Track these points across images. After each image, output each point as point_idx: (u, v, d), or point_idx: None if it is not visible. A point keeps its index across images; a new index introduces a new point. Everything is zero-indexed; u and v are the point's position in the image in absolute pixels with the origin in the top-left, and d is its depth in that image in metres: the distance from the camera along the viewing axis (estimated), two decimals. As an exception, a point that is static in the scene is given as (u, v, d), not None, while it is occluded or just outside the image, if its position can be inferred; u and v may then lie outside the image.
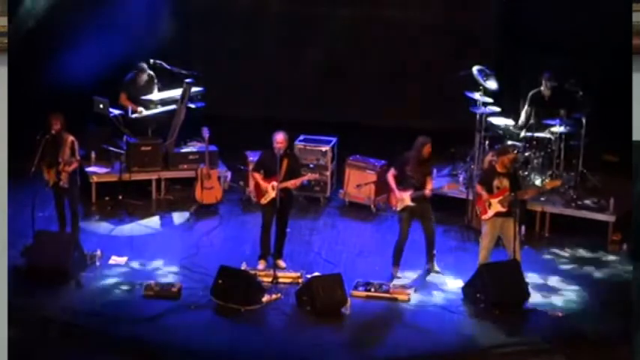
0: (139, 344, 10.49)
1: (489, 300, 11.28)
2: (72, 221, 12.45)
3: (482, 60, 14.25)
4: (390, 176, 12.06)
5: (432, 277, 12.08)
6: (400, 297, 11.54)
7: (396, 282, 11.84)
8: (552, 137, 13.75)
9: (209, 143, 13.95)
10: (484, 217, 11.71)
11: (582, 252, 12.96)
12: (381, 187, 13.95)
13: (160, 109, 14.66)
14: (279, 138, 11.92)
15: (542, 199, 13.43)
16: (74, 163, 12.22)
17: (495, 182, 11.66)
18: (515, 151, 13.17)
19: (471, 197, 13.46)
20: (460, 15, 16.33)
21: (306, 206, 14.20)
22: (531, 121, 14.02)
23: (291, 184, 12.02)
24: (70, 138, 12.22)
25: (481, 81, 13.88)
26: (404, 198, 11.89)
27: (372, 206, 14.04)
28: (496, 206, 11.60)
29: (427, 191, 11.83)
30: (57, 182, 12.20)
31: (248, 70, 16.94)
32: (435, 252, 12.18)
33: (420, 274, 12.16)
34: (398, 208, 11.99)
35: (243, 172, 14.32)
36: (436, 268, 12.19)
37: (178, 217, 13.84)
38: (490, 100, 13.96)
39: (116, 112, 14.48)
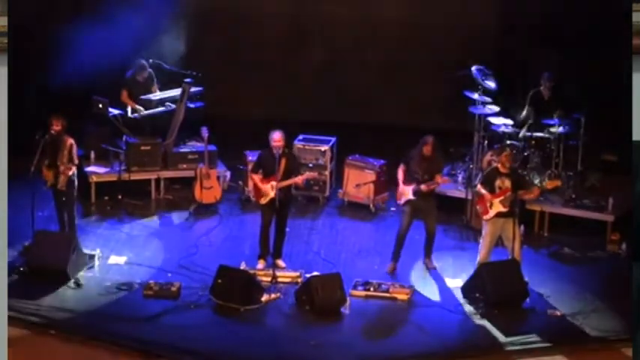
0: (139, 344, 10.47)
1: (488, 299, 11.29)
2: (68, 223, 12.44)
3: (481, 59, 14.23)
4: (400, 171, 12.23)
5: (431, 277, 12.10)
6: (399, 296, 11.54)
7: (395, 281, 11.85)
8: (551, 137, 13.77)
9: (208, 143, 13.95)
10: (486, 217, 11.72)
11: (581, 251, 12.96)
12: (380, 186, 14.00)
13: (159, 108, 14.68)
14: (277, 137, 11.92)
15: (541, 198, 13.43)
16: (72, 167, 12.20)
17: (497, 182, 11.68)
18: (514, 151, 13.18)
19: (469, 197, 13.48)
20: (460, 14, 16.32)
21: (305, 206, 14.22)
22: (530, 120, 14.04)
23: (292, 182, 12.02)
24: (70, 141, 12.18)
25: (480, 80, 13.87)
26: (406, 192, 11.98)
27: (371, 206, 14.04)
28: (498, 206, 11.62)
29: (423, 186, 11.91)
30: (55, 184, 12.20)
31: (247, 70, 16.94)
32: (432, 249, 12.30)
33: (418, 274, 12.18)
34: (401, 202, 12.13)
35: (243, 172, 14.32)
36: (433, 263, 12.27)
37: (177, 217, 13.84)
38: (489, 99, 13.96)
39: (115, 112, 14.48)
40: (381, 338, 10.73)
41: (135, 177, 14.23)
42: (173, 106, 14.62)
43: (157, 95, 14.71)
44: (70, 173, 12.17)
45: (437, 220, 12.29)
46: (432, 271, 12.25)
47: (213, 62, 16.48)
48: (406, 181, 12.09)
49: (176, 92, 14.67)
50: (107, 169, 14.33)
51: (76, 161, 12.30)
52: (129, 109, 14.56)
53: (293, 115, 15.90)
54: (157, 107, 14.64)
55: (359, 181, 13.99)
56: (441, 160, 12.36)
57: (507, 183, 11.65)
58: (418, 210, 12.10)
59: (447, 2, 16.54)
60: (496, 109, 13.93)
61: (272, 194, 11.91)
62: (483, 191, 11.74)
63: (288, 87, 17.01)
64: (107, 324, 10.79)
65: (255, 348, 10.46)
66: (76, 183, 12.44)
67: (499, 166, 11.77)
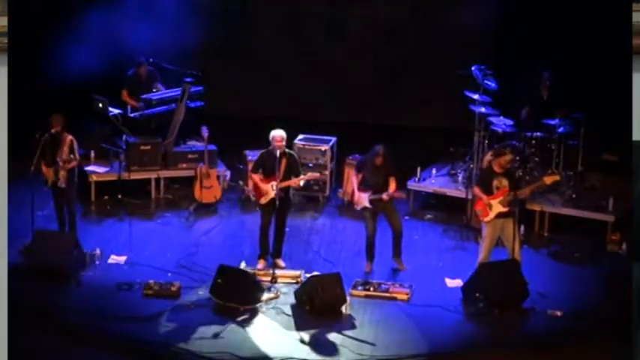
0: (139, 343, 10.48)
1: (488, 299, 11.28)
2: (69, 221, 12.45)
3: (481, 59, 14.23)
4: (354, 177, 12.29)
5: (430, 277, 12.09)
6: (399, 296, 11.54)
7: (394, 281, 11.85)
8: (551, 137, 13.76)
9: (208, 142, 13.96)
10: (486, 219, 11.70)
11: (581, 251, 12.96)
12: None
13: (159, 108, 14.68)
14: (278, 137, 11.91)
15: (542, 198, 13.44)
16: (73, 161, 12.21)
17: (495, 183, 11.66)
18: (514, 151, 13.17)
19: (470, 197, 13.47)
20: (460, 14, 16.32)
21: (305, 205, 14.22)
22: (530, 120, 14.03)
23: (293, 182, 12.02)
24: (69, 137, 12.21)
25: (480, 80, 13.87)
26: (362, 199, 12.04)
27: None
28: (497, 207, 11.60)
29: (385, 195, 11.94)
30: (55, 182, 12.20)
31: (247, 70, 16.95)
32: (401, 248, 12.27)
33: (417, 274, 12.17)
34: (358, 208, 12.16)
35: (243, 172, 14.32)
36: (402, 265, 12.27)
37: (177, 217, 13.84)
38: (489, 99, 13.95)
39: (115, 111, 14.49)
40: (381, 338, 10.71)
41: (135, 176, 14.24)
42: (173, 105, 14.64)
43: (157, 94, 14.71)
44: (70, 167, 12.17)
45: (400, 219, 12.29)
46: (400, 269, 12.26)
47: (212, 61, 16.49)
48: (360, 188, 12.11)
49: (176, 91, 14.68)
50: (107, 169, 14.35)
51: (78, 156, 12.30)
52: (129, 108, 14.56)
53: (293, 114, 15.91)
54: (157, 106, 14.64)
55: (359, 180, 13.97)
56: (393, 166, 12.24)
57: (505, 182, 11.62)
58: (379, 211, 12.12)
59: (448, 2, 16.54)
60: (496, 108, 13.95)
61: (272, 194, 11.90)
62: (480, 193, 11.73)
63: (288, 86, 17.01)
64: (107, 323, 10.78)
65: (255, 348, 10.46)
66: (76, 182, 12.46)
67: (495, 167, 11.74)
